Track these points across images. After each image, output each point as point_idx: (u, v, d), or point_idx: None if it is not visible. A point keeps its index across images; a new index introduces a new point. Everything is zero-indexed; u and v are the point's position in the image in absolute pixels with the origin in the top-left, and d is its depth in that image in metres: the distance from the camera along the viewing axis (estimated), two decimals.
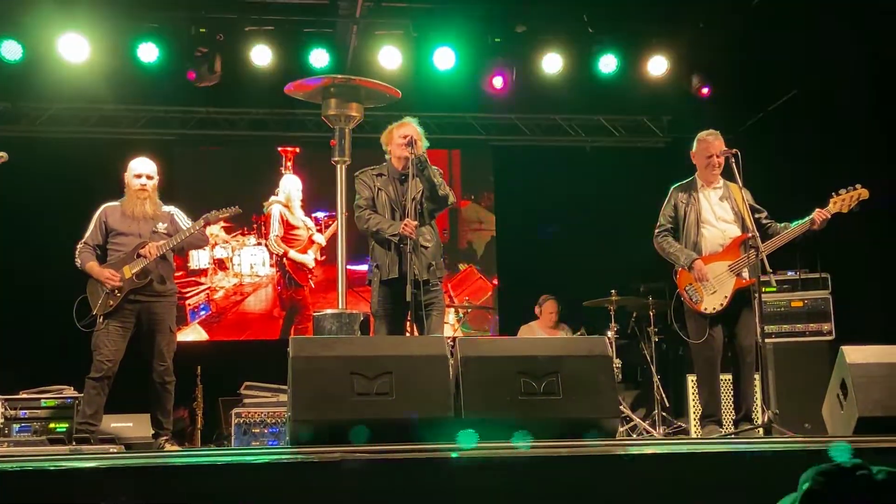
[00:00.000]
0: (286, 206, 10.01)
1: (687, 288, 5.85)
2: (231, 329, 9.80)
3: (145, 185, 6.21)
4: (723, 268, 5.74)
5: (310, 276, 9.98)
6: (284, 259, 9.95)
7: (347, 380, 4.06)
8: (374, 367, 4.10)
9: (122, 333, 6.03)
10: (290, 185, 10.06)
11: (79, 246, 6.16)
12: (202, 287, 9.74)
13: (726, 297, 5.70)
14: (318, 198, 9.99)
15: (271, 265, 9.93)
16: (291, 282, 9.93)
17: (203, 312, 9.72)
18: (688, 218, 5.88)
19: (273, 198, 9.98)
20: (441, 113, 9.75)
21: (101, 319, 6.01)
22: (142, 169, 6.25)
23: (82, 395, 6.16)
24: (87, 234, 6.19)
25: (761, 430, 5.42)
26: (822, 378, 5.59)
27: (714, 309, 5.73)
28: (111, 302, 5.99)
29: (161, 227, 6.18)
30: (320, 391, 4.06)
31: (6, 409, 6.76)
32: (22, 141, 8.61)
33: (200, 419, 7.37)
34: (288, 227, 9.99)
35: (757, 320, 5.49)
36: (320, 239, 10.02)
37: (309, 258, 10.00)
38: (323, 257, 10.00)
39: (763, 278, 5.55)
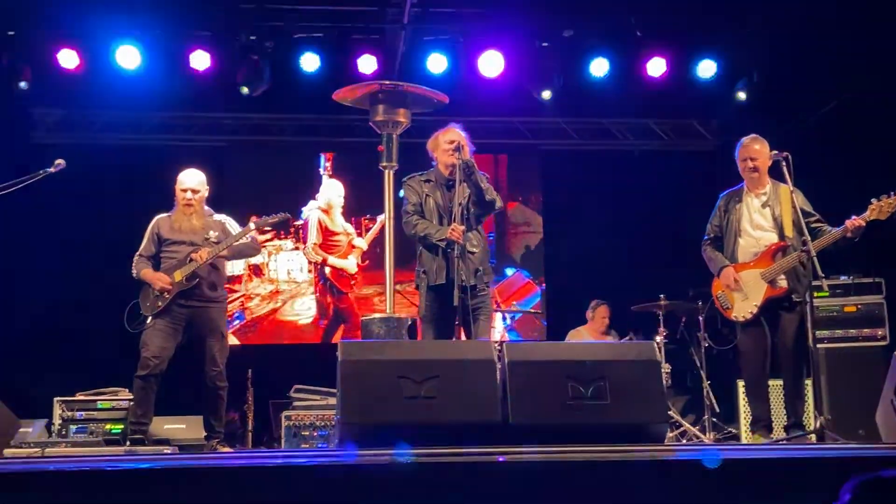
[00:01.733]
0: (325, 212, 9.91)
1: (718, 295, 5.90)
2: (266, 338, 9.68)
3: (191, 199, 6.20)
4: (755, 276, 5.70)
5: (352, 281, 9.85)
6: (325, 266, 9.83)
7: (395, 383, 4.09)
8: (422, 370, 4.13)
9: (169, 332, 6.07)
10: (331, 191, 9.95)
11: (135, 258, 6.25)
12: (236, 295, 9.53)
13: (756, 305, 5.69)
14: (361, 202, 9.89)
15: (309, 271, 9.81)
16: (333, 289, 9.81)
17: (237, 322, 9.58)
18: (729, 227, 5.90)
19: (312, 202, 9.87)
20: (488, 117, 9.73)
21: (149, 320, 6.08)
22: (187, 183, 6.23)
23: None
24: (142, 246, 6.26)
25: (813, 436, 5.36)
26: (876, 384, 5.50)
27: (744, 317, 5.74)
28: (160, 303, 6.08)
29: (213, 235, 6.22)
30: (368, 394, 4.10)
31: (63, 411, 6.92)
32: (78, 148, 8.75)
33: (251, 421, 7.45)
34: (327, 233, 9.86)
35: (809, 325, 5.45)
36: (361, 243, 9.88)
37: (350, 263, 9.84)
38: (365, 262, 9.87)
39: (815, 283, 5.49)
